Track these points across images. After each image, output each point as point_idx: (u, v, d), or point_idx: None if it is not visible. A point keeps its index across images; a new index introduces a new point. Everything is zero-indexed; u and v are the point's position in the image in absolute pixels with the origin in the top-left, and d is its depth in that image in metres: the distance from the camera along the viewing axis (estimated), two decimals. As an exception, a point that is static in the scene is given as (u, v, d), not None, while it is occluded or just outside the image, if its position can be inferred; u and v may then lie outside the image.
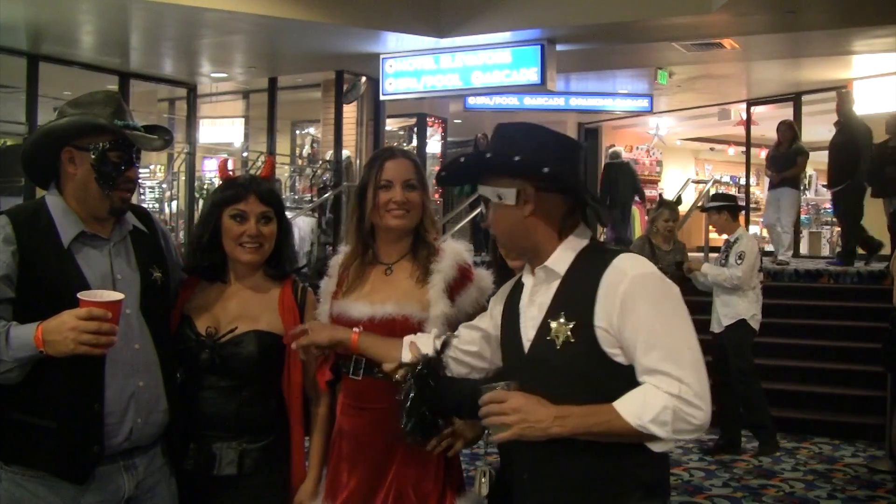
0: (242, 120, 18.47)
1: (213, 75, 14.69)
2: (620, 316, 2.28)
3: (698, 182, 18.55)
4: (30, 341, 2.53)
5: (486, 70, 12.10)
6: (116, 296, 2.60)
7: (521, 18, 11.01)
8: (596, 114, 19.21)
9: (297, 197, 16.03)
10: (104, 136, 2.79)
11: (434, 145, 19.31)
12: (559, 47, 11.64)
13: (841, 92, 12.02)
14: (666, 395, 2.22)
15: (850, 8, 9.95)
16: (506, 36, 11.51)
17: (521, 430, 2.27)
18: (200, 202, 17.03)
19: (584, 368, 2.33)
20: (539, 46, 11.48)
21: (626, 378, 2.29)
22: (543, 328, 2.41)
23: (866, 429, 8.47)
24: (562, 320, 2.36)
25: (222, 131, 19.04)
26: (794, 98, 16.18)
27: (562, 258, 2.44)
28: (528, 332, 2.48)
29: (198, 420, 3.02)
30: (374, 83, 13.45)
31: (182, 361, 3.04)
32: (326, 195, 13.50)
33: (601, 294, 2.31)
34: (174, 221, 16.08)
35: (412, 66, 12.59)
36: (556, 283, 2.44)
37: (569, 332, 2.34)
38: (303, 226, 13.08)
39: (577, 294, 2.37)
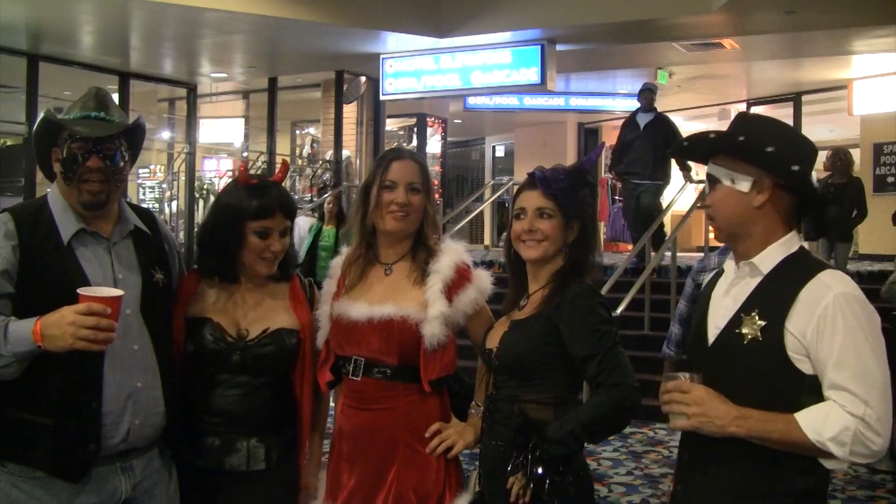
0: (242, 120, 18.50)
1: (213, 75, 14.70)
2: (818, 329, 2.29)
3: (699, 182, 18.50)
4: (28, 336, 2.53)
5: (486, 70, 12.09)
6: (116, 292, 2.60)
7: (522, 18, 11.01)
8: (596, 114, 19.21)
9: (296, 197, 16.03)
10: (65, 130, 2.82)
11: (434, 145, 19.33)
12: (559, 47, 11.64)
13: (648, 84, 11.85)
14: (849, 416, 2.23)
15: (849, 8, 9.94)
16: (506, 36, 11.51)
17: (698, 422, 2.33)
18: (201, 202, 17.02)
19: (765, 368, 2.36)
20: (539, 46, 11.48)
21: (803, 386, 2.32)
22: (734, 321, 2.44)
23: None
24: (755, 317, 2.38)
25: (222, 131, 19.06)
26: (794, 98, 16.24)
27: (769, 257, 2.46)
28: (717, 321, 2.51)
29: (220, 417, 3.03)
30: (374, 83, 13.45)
31: (210, 363, 3.05)
32: (326, 195, 13.49)
33: (800, 301, 2.33)
34: (174, 221, 16.08)
35: (412, 66, 12.58)
36: (756, 281, 2.46)
37: (758, 331, 2.36)
38: (302, 225, 13.07)
39: (775, 295, 2.39)
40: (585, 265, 2.94)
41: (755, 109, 17.26)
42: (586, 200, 2.96)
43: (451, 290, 2.99)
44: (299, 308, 3.16)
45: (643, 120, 11.45)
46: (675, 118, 18.44)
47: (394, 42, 12.02)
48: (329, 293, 3.16)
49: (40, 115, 2.88)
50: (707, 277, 2.82)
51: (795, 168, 2.38)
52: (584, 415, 2.71)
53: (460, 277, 3.02)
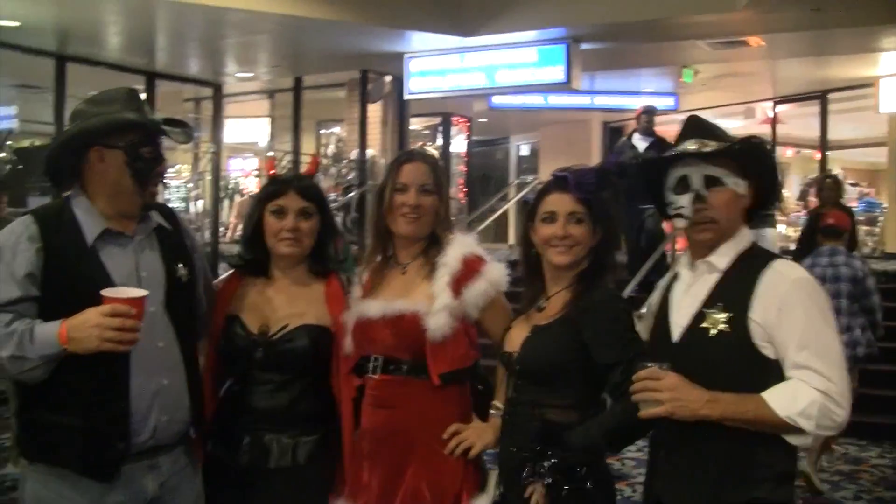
0: (268, 119, 18.52)
1: (238, 75, 14.73)
2: (778, 315, 2.46)
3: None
4: (54, 338, 2.55)
5: (511, 69, 12.04)
6: (140, 292, 2.62)
7: (546, 17, 10.98)
8: (620, 112, 19.13)
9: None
10: (132, 132, 2.81)
11: (459, 144, 19.32)
12: (584, 46, 11.60)
13: (645, 108, 11.19)
14: (814, 391, 2.38)
15: (876, 5, 9.88)
16: (531, 35, 11.47)
17: (673, 407, 2.43)
18: (226, 202, 17.08)
19: (734, 357, 2.51)
20: (564, 45, 11.43)
21: (770, 371, 2.47)
22: (699, 317, 2.59)
23: (893, 430, 8.40)
24: (718, 311, 2.54)
25: (247, 131, 19.09)
26: (821, 96, 16.10)
27: (725, 254, 2.64)
28: (680, 321, 2.66)
29: (251, 415, 3.07)
30: (399, 82, 13.45)
31: (235, 360, 3.11)
32: (351, 194, 13.52)
33: (759, 291, 2.50)
34: (200, 221, 16.14)
35: (437, 65, 12.54)
36: (714, 277, 2.63)
37: (724, 323, 2.52)
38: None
39: (735, 289, 2.55)
40: (608, 266, 2.94)
41: (781, 108, 17.19)
42: (610, 201, 2.96)
43: (459, 282, 2.99)
44: (335, 304, 3.17)
45: (641, 143, 10.71)
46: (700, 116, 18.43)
47: (418, 41, 12.01)
48: (356, 298, 3.18)
49: (101, 114, 2.81)
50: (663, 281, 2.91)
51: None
52: (606, 424, 2.71)
53: (468, 269, 3.02)
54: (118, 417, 2.72)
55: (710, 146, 2.61)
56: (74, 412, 2.70)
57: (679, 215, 2.68)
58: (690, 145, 2.65)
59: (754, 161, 2.67)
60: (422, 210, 3.05)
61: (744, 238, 2.67)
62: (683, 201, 2.65)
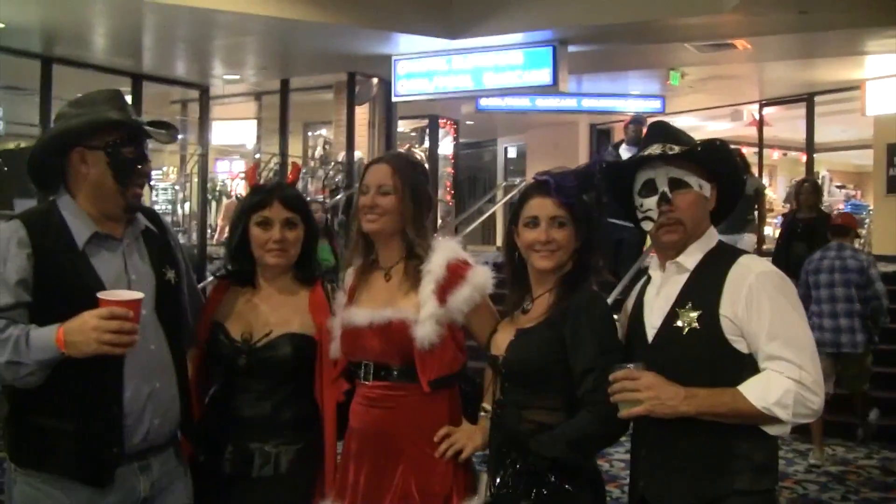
0: (255, 122, 18.49)
1: (225, 77, 14.71)
2: (746, 308, 2.51)
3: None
4: (51, 343, 2.53)
5: (498, 71, 12.06)
6: (136, 295, 2.61)
7: (534, 19, 10.99)
8: (608, 115, 19.16)
9: (309, 199, 16.01)
10: (114, 133, 2.79)
11: (446, 147, 19.32)
12: (571, 48, 11.61)
13: (633, 118, 11.09)
14: (788, 380, 2.43)
15: (862, 8, 9.92)
16: (518, 37, 11.49)
17: (652, 406, 2.47)
18: (213, 204, 17.04)
19: (707, 353, 2.55)
20: (551, 47, 11.45)
21: (743, 365, 2.52)
22: (671, 317, 2.64)
23: (881, 431, 8.43)
24: (689, 310, 2.59)
25: (235, 133, 19.06)
26: (807, 98, 16.15)
27: (693, 254, 2.70)
28: (653, 322, 2.70)
29: (234, 423, 3.07)
30: (386, 85, 13.45)
31: (218, 367, 3.12)
32: (338, 197, 13.51)
33: (727, 287, 2.56)
34: (187, 223, 16.10)
35: (424, 67, 12.56)
36: (684, 277, 2.69)
37: (695, 320, 2.57)
38: (315, 227, 13.03)
39: (704, 286, 2.61)
40: (591, 268, 2.93)
41: (768, 110, 17.24)
42: (592, 203, 2.95)
43: (444, 288, 2.99)
44: (319, 313, 3.16)
45: (627, 154, 10.12)
46: (687, 119, 18.51)
47: (405, 43, 12.01)
48: (341, 304, 3.18)
49: (83, 115, 2.79)
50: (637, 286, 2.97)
51: (746, 177, 2.62)
52: (571, 433, 2.69)
53: (453, 275, 3.01)
54: (113, 422, 2.70)
55: (675, 149, 2.67)
56: (68, 417, 2.67)
57: (647, 218, 2.74)
58: (655, 149, 2.71)
59: (717, 163, 2.73)
60: (379, 209, 3.05)
61: (711, 238, 2.73)
62: (650, 203, 2.72)
